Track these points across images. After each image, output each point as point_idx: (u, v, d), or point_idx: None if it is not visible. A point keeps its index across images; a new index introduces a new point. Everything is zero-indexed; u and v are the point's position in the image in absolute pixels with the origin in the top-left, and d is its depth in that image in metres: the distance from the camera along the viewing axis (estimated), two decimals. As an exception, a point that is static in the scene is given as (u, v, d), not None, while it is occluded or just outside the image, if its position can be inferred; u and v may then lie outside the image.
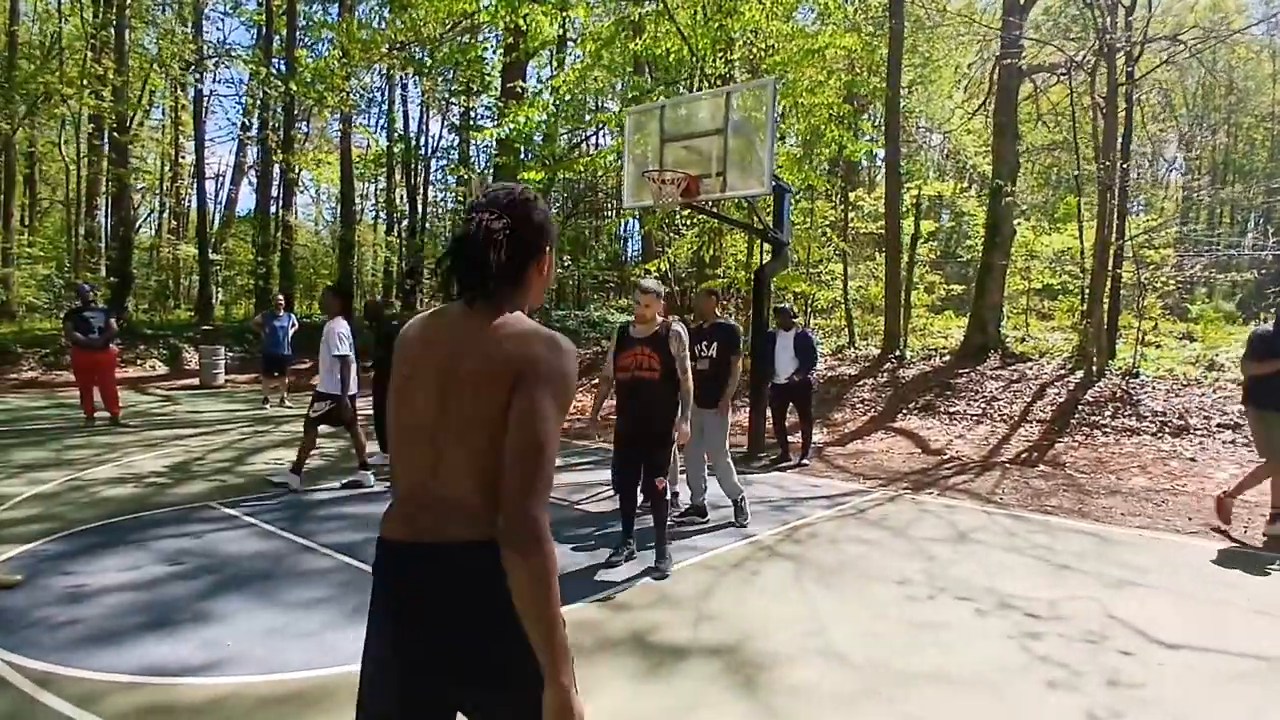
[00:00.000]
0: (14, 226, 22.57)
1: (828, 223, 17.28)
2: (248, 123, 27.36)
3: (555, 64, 21.53)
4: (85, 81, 19.00)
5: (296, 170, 25.06)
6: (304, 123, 26.99)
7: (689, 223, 16.87)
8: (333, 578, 4.29)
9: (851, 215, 18.31)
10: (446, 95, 24.28)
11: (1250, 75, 29.72)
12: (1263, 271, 19.15)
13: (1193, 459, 8.06)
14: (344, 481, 6.69)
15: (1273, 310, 8.80)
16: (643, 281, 4.65)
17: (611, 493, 5.65)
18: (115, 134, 20.95)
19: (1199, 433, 8.68)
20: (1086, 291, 12.20)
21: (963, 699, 3.02)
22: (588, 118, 17.43)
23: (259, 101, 22.95)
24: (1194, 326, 15.23)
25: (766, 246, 9.02)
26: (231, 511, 5.68)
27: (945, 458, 8.76)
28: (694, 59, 12.46)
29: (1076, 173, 13.86)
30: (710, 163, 7.47)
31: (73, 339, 9.40)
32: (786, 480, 7.41)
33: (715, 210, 9.36)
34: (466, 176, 24.70)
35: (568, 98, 12.39)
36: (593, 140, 23.76)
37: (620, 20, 13.76)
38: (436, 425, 1.41)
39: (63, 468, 7.09)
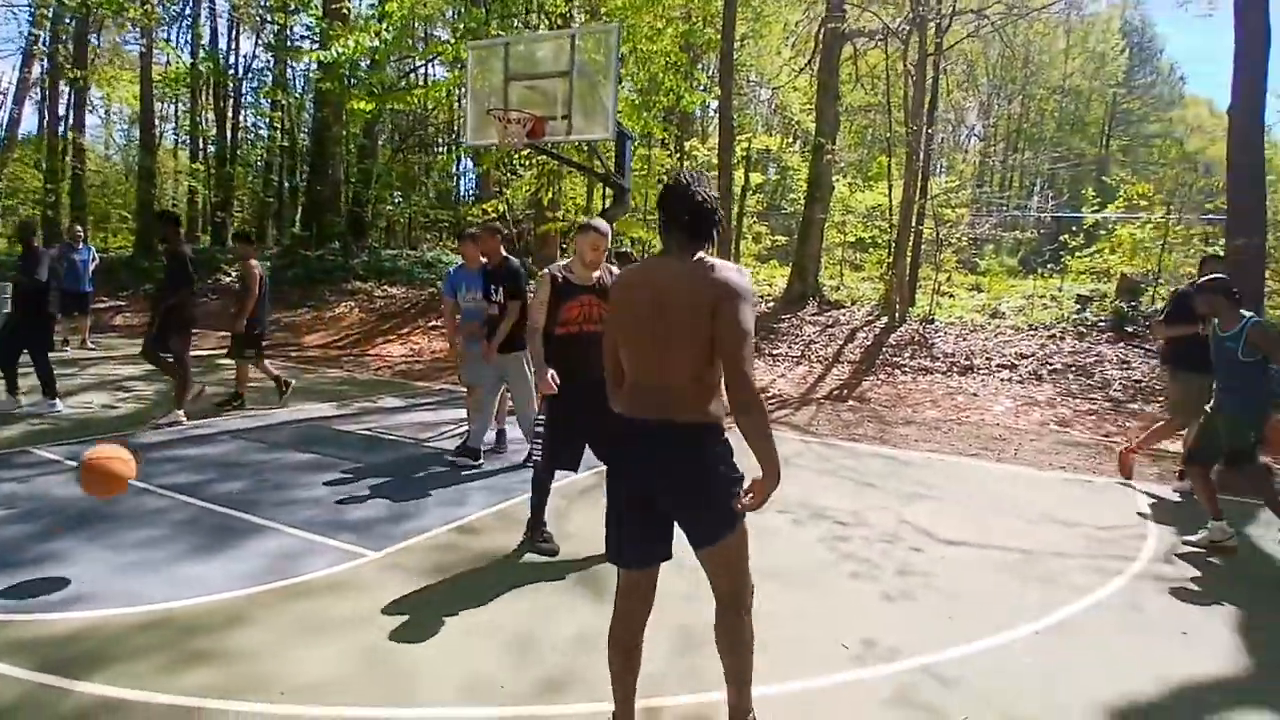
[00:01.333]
0: None
1: (664, 170, 17.70)
2: (35, 34, 23.67)
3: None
4: None
5: (87, 87, 22.10)
6: (97, 35, 23.65)
7: (527, 163, 16.67)
8: (172, 515, 4.15)
9: (686, 164, 18.84)
10: (261, 12, 22.18)
11: (1045, 50, 32.92)
12: (1042, 231, 21.78)
13: (975, 394, 9.27)
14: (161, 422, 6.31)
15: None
16: (594, 221, 3.90)
17: (522, 463, 5.44)
18: None
19: (981, 372, 9.96)
20: (893, 245, 13.42)
21: (789, 590, 3.49)
22: (421, 47, 16.60)
23: (51, 11, 19.87)
24: (982, 279, 17.15)
25: (608, 192, 9.20)
26: (51, 455, 5.25)
27: (768, 395, 9.51)
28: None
29: (888, 134, 15.05)
30: (556, 105, 7.50)
31: None
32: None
33: (559, 153, 9.39)
34: (284, 100, 22.87)
35: (400, 24, 11.73)
36: (422, 70, 22.66)
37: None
38: (660, 337, 2.04)
39: None
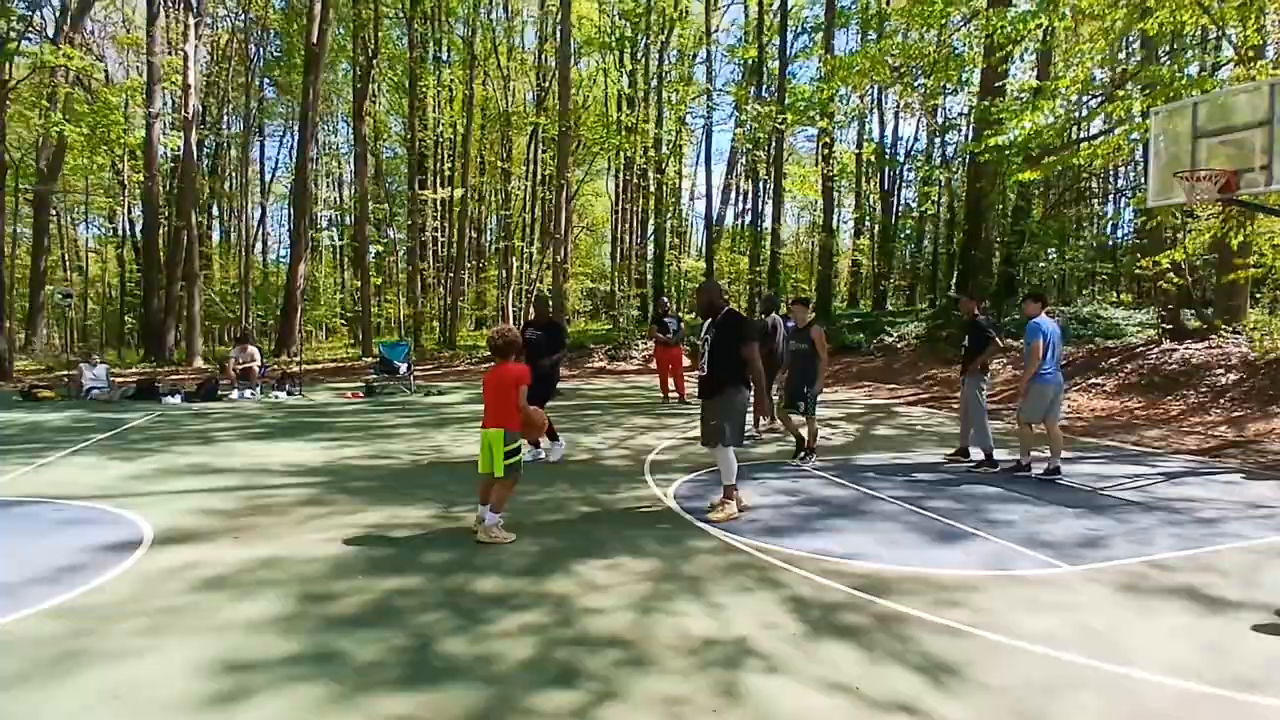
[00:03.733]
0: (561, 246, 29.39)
1: None
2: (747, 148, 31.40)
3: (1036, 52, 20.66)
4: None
5: (781, 186, 28.00)
6: (778, 143, 30.04)
7: (1206, 206, 14.98)
8: (904, 518, 5.68)
9: None
10: (922, 100, 24.89)
11: None
12: None
13: None
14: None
15: None
16: None
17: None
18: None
19: None
20: None
21: None
22: (1088, 106, 16.53)
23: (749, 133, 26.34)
24: None
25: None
26: (802, 466, 7.53)
27: None
28: (1218, 31, 11.30)
29: None
30: (1253, 155, 7.16)
31: (655, 338, 12.62)
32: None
33: (1260, 204, 8.67)
34: (939, 176, 25.02)
35: (1074, 97, 12.19)
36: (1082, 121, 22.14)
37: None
38: None
39: (663, 430, 9.83)
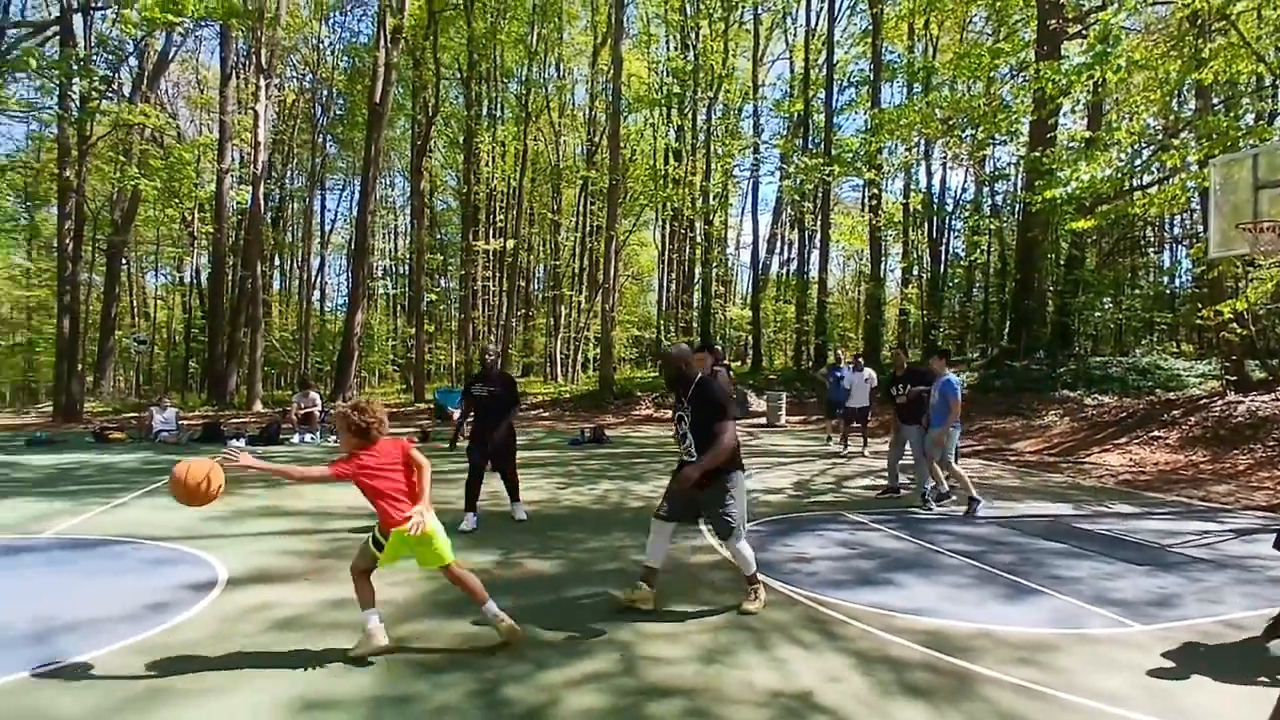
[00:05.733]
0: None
1: None
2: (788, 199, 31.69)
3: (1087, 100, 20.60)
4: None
5: (828, 238, 28.12)
6: (824, 193, 30.25)
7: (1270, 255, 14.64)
8: (965, 572, 5.60)
9: None
10: (968, 150, 24.94)
11: None
12: None
13: None
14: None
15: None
16: None
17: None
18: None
19: None
20: None
21: None
22: (1141, 156, 16.43)
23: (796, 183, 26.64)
24: None
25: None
26: (858, 518, 7.46)
27: None
28: (1274, 78, 11.19)
29: None
30: (1320, 205, 7.07)
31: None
32: None
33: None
34: (988, 225, 24.87)
35: (1130, 149, 12.15)
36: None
37: (1172, 47, 12.97)
38: None
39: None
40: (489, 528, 6.95)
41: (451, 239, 39.64)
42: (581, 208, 35.05)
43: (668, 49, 31.68)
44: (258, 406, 23.27)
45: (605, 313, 23.09)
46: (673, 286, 34.22)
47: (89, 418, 19.99)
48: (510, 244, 29.53)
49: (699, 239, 30.21)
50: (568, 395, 24.47)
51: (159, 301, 42.91)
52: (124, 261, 33.11)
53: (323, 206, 41.82)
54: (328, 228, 43.42)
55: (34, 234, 34.58)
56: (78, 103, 20.12)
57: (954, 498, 8.28)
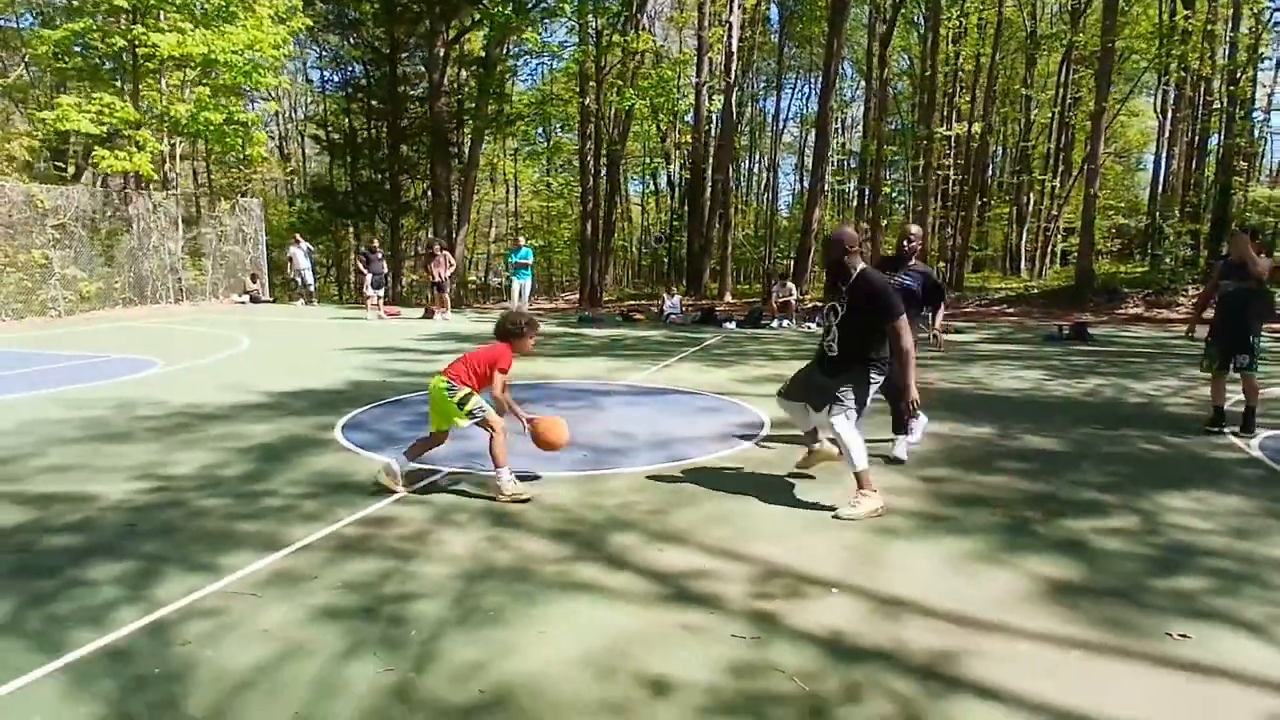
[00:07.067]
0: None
1: None
2: None
3: None
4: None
5: None
6: None
7: None
8: None
9: None
10: None
11: None
12: None
13: None
14: None
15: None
16: None
17: None
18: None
19: None
20: None
21: None
22: None
23: None
24: None
25: None
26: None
27: None
28: None
29: None
30: None
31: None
32: None
33: None
34: None
35: None
36: None
37: None
38: None
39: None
40: (982, 408, 7.42)
41: (903, 127, 38.32)
42: (1062, 78, 30.98)
43: None
44: (727, 297, 26.16)
45: (1089, 197, 20.69)
46: (1174, 163, 28.68)
47: (605, 303, 24.74)
48: (976, 128, 27.71)
49: (1219, 103, 24.79)
50: (1035, 290, 22.76)
51: (638, 207, 49.56)
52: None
53: (777, 106, 43.44)
54: (780, 127, 45.19)
55: (554, 153, 42.12)
56: (594, 38, 24.01)
57: None
